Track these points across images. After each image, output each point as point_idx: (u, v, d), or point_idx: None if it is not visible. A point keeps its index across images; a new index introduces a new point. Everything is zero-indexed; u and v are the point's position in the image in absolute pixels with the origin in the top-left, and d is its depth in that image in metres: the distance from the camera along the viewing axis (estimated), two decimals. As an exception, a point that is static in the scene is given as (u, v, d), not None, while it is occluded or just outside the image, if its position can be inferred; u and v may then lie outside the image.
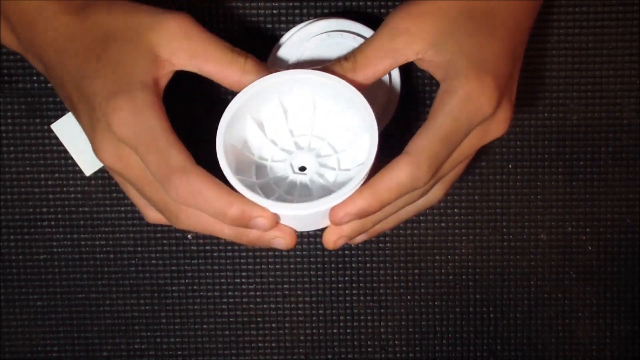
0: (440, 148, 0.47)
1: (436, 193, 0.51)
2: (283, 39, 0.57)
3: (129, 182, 0.49)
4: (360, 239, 0.51)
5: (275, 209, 0.46)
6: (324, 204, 0.46)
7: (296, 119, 0.50)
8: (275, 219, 0.47)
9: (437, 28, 0.47)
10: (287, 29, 0.58)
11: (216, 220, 0.47)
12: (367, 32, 0.56)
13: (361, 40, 0.56)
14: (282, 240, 0.48)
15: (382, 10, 0.60)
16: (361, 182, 0.47)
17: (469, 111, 0.47)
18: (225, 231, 0.48)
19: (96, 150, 0.48)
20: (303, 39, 0.57)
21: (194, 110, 0.61)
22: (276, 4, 0.61)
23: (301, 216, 0.47)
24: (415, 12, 0.48)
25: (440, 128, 0.47)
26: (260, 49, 0.60)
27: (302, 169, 0.50)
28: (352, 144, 0.50)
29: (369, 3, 0.61)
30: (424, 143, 0.46)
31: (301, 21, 0.59)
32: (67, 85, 0.49)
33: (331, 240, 0.49)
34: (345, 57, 0.49)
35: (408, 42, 0.48)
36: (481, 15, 0.48)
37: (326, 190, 0.49)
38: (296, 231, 0.49)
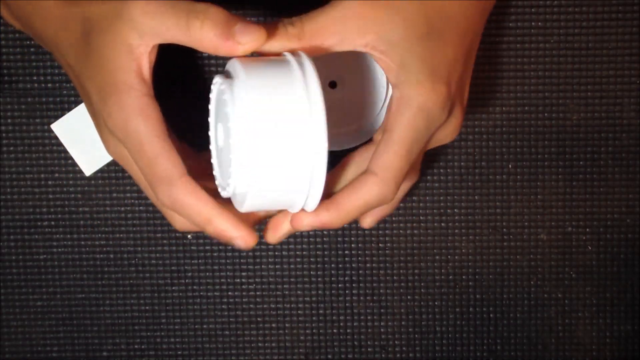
0: (405, 163, 0.47)
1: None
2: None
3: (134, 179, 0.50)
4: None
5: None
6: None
7: None
8: (248, 235, 0.47)
9: (392, 22, 0.46)
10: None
11: None
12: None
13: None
14: (241, 242, 0.48)
15: (382, 10, 0.60)
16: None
17: (426, 121, 0.46)
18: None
19: (103, 143, 0.49)
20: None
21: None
22: (276, 5, 0.61)
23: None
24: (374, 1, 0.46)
25: (401, 142, 0.46)
26: (260, 49, 0.60)
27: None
28: None
29: (369, 3, 0.61)
30: (389, 160, 0.46)
31: (301, 21, 0.59)
32: (71, 77, 0.50)
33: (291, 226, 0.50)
34: (292, 23, 0.46)
35: (360, 29, 0.46)
36: (435, 18, 0.47)
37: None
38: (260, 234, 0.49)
